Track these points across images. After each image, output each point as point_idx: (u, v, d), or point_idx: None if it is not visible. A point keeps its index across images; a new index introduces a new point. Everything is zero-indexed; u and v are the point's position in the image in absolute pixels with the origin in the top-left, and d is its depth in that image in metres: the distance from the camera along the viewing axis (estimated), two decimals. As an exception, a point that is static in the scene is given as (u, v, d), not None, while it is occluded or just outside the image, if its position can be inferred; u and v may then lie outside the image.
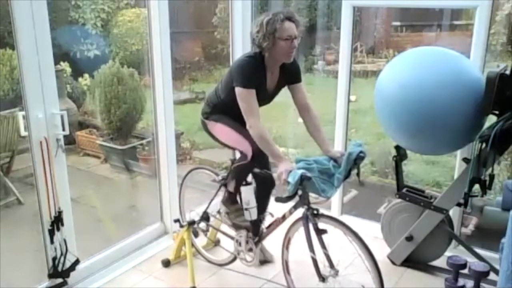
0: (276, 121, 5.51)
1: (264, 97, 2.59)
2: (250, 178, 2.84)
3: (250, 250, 2.88)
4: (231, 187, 2.82)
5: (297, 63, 2.67)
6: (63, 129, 2.63)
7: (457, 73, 2.66)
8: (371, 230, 3.29)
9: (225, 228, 3.05)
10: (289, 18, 2.42)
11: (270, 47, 2.44)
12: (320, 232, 2.44)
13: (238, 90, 2.48)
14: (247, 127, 2.46)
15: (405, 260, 3.12)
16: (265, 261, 3.12)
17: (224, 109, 2.68)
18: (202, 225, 3.15)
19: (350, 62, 3.47)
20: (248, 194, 2.73)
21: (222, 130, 2.70)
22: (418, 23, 7.84)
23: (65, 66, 5.78)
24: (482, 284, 2.62)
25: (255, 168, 2.71)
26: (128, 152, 5.13)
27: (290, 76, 2.63)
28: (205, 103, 2.81)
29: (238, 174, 2.77)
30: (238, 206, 2.85)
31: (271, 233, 2.78)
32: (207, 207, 3.10)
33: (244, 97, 2.47)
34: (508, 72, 2.57)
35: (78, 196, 4.05)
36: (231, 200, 2.86)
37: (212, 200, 3.06)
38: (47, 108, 2.56)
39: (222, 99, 2.67)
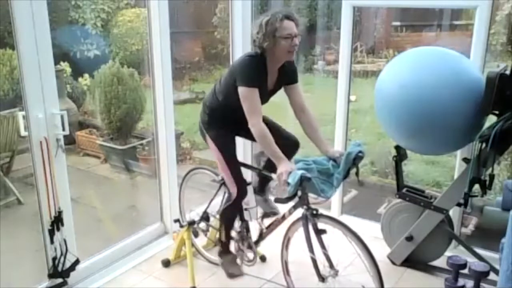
0: (275, 121, 5.50)
1: (264, 97, 2.59)
2: (249, 178, 2.84)
3: (250, 249, 2.88)
4: (222, 236, 2.85)
5: (295, 64, 2.67)
6: (63, 129, 2.63)
7: (457, 73, 2.66)
8: (371, 230, 3.29)
9: (225, 228, 3.05)
10: (288, 17, 2.42)
11: (271, 47, 2.44)
12: (319, 232, 2.44)
13: (241, 89, 2.46)
14: (249, 125, 2.45)
15: (405, 260, 3.12)
16: (272, 213, 2.95)
17: (223, 114, 2.66)
18: (202, 225, 3.15)
19: (350, 62, 3.47)
20: (248, 194, 2.73)
21: (217, 155, 2.69)
22: (418, 23, 7.84)
23: (65, 66, 5.79)
24: (482, 284, 2.62)
25: (242, 208, 2.80)
26: (128, 152, 5.13)
27: (287, 76, 2.63)
28: (203, 109, 2.77)
29: (226, 219, 2.83)
30: (231, 256, 2.89)
31: (271, 233, 2.78)
32: (207, 207, 3.10)
33: (248, 96, 2.45)
34: (508, 72, 2.57)
35: (78, 196, 4.05)
36: (225, 250, 2.90)
37: (212, 200, 3.06)
38: (47, 108, 2.56)
39: (220, 101, 2.65)
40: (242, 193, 2.66)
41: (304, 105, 2.66)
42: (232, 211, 2.80)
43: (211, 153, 2.75)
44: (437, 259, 3.08)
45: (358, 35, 7.53)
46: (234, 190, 2.65)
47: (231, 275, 2.85)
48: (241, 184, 2.66)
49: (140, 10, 6.60)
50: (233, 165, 2.67)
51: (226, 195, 2.85)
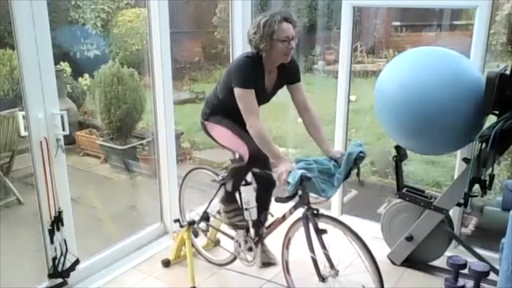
0: (276, 121, 5.51)
1: (263, 97, 2.59)
2: (250, 178, 2.84)
3: (250, 249, 2.88)
4: (228, 187, 2.81)
5: (296, 63, 2.67)
6: (63, 129, 2.63)
7: (457, 73, 2.66)
8: (371, 230, 3.28)
9: (225, 228, 3.05)
10: (286, 19, 2.41)
11: (267, 48, 2.44)
12: (320, 232, 2.44)
13: (237, 90, 2.47)
14: (247, 127, 2.46)
15: (405, 260, 3.12)
16: (268, 263, 3.10)
17: (224, 110, 2.67)
18: (202, 225, 3.15)
19: (350, 62, 3.47)
20: (248, 194, 2.73)
21: (221, 132, 2.69)
22: (418, 23, 7.83)
23: (65, 66, 5.78)
24: (482, 284, 2.62)
25: (252, 169, 2.72)
26: (128, 152, 5.13)
27: (289, 75, 2.63)
28: (205, 104, 2.81)
29: (235, 174, 2.78)
30: (236, 206, 2.85)
31: (271, 233, 2.78)
32: (207, 207, 3.10)
33: (243, 97, 2.46)
34: (508, 72, 2.57)
35: (78, 196, 4.05)
36: (229, 199, 2.85)
37: (212, 200, 3.06)
38: (47, 108, 2.56)
39: (221, 99, 2.66)
40: (253, 154, 2.53)
41: (308, 104, 2.67)
42: (243, 171, 2.73)
43: (216, 137, 2.73)
44: (437, 259, 3.08)
45: (358, 35, 7.52)
46: (245, 152, 2.56)
47: (234, 225, 2.81)
48: (252, 146, 2.52)
49: (140, 10, 6.60)
50: (240, 132, 2.59)
51: (237, 157, 2.77)
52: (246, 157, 2.58)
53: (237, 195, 2.84)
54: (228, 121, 2.66)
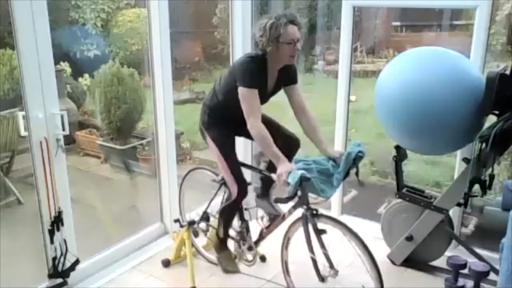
0: (275, 120, 5.50)
1: (264, 98, 2.60)
2: (249, 178, 2.84)
3: (250, 249, 2.88)
4: (220, 232, 2.85)
5: (295, 65, 2.67)
6: (63, 129, 2.63)
7: (457, 73, 2.66)
8: (371, 230, 3.29)
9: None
10: (292, 22, 2.42)
11: (274, 51, 2.44)
12: (319, 232, 2.45)
13: (241, 90, 2.47)
14: (248, 127, 2.46)
15: (405, 260, 3.12)
16: (278, 215, 2.93)
17: (223, 115, 2.67)
18: (202, 225, 3.15)
19: (350, 62, 3.47)
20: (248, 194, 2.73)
21: (217, 155, 2.68)
22: (418, 23, 7.84)
23: (65, 66, 5.78)
24: (482, 284, 2.62)
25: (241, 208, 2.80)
26: (128, 152, 5.13)
27: (287, 77, 2.63)
28: (202, 110, 2.78)
29: (225, 217, 2.82)
30: (229, 252, 2.89)
31: (271, 233, 2.78)
32: (207, 207, 3.10)
33: (247, 97, 2.46)
34: (508, 72, 2.57)
35: (78, 196, 4.04)
36: (222, 246, 2.89)
37: (212, 200, 3.06)
38: (47, 108, 2.56)
39: (220, 100, 2.65)
40: (242, 192, 2.65)
41: (304, 106, 2.67)
42: (232, 210, 2.79)
43: (211, 152, 2.76)
44: (437, 259, 3.08)
45: (358, 35, 7.53)
46: (234, 190, 2.64)
47: (227, 271, 2.88)
48: (242, 184, 2.64)
49: (140, 10, 6.60)
50: (233, 164, 2.67)
51: (226, 194, 2.84)
52: (234, 194, 2.65)
53: (228, 241, 2.89)
54: (227, 142, 2.68)
